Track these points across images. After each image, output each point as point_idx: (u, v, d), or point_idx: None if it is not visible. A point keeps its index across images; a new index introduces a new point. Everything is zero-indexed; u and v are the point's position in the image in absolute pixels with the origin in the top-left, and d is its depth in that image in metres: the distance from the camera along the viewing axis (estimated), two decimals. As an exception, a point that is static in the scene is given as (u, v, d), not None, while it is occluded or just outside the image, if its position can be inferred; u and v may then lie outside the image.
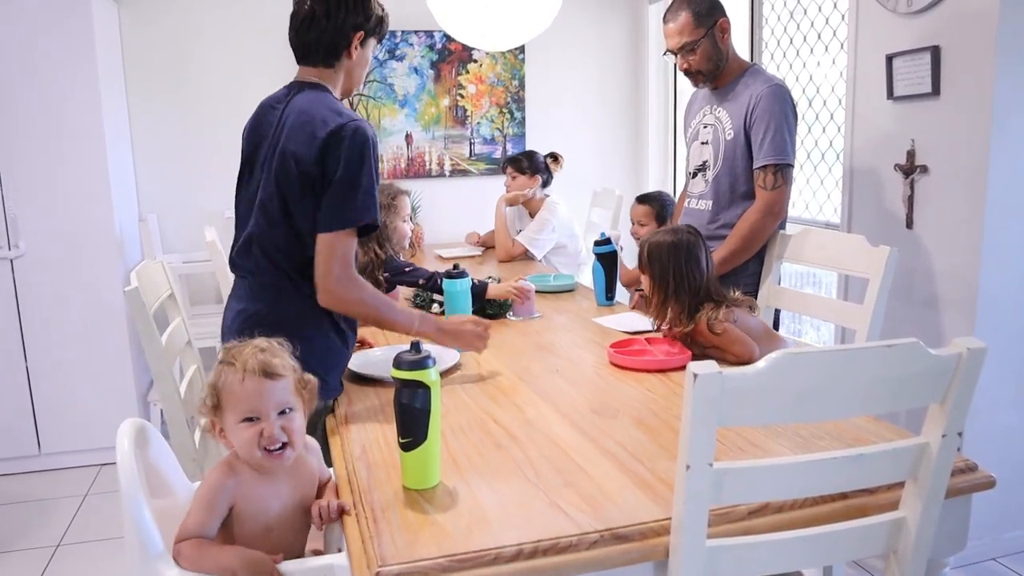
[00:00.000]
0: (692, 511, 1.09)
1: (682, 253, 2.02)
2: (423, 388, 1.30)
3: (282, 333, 1.51)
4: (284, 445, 1.38)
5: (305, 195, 1.72)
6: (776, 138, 2.38)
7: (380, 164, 1.78)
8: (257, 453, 1.37)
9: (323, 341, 1.80)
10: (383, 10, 1.89)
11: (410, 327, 1.86)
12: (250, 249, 1.80)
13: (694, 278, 2.02)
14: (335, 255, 1.72)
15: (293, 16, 1.83)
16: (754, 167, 2.44)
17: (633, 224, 3.35)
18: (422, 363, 1.30)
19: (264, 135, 1.82)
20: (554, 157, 3.79)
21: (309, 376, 1.46)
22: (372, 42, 1.89)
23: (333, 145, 1.69)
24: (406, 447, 1.32)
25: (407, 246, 2.96)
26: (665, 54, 2.58)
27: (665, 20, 2.53)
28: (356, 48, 1.84)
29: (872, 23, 2.70)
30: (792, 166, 2.43)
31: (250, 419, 1.37)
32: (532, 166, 3.74)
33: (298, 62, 1.87)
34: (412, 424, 1.31)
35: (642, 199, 3.35)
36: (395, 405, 1.32)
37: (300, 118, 1.74)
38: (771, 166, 2.39)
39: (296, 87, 1.84)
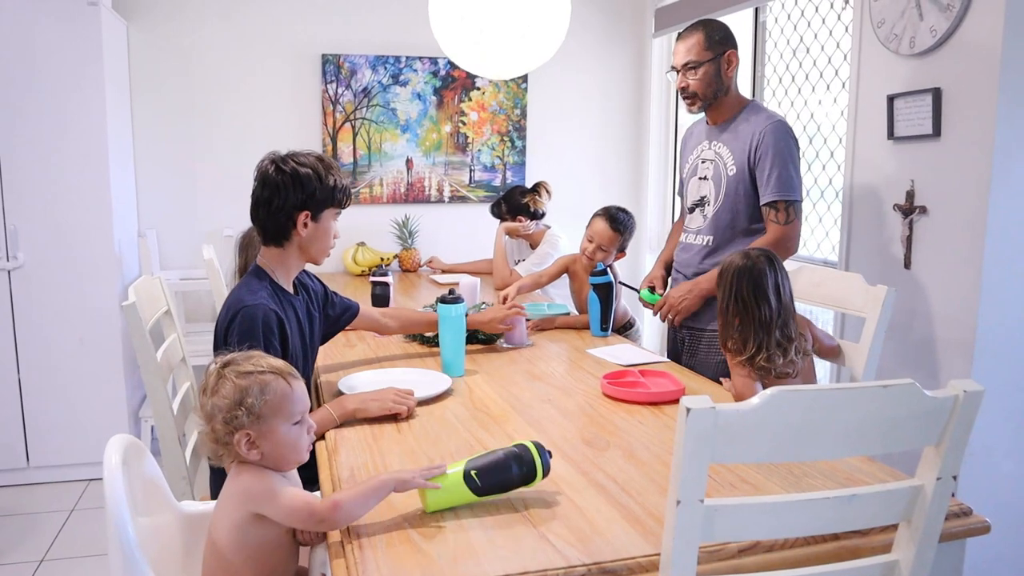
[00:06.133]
0: (681, 547, 1.07)
1: (748, 279, 1.95)
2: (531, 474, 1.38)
3: None
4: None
5: None
6: (783, 174, 2.38)
7: (285, 337, 1.87)
8: (305, 451, 1.42)
9: None
10: (336, 180, 1.93)
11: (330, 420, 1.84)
12: None
13: (757, 308, 1.93)
14: None
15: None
16: (762, 203, 2.42)
17: (592, 242, 2.87)
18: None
19: None
20: (536, 191, 3.78)
21: None
22: (329, 213, 1.95)
23: (231, 325, 1.81)
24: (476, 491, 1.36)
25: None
26: (668, 71, 2.59)
27: (678, 37, 2.55)
28: (305, 226, 1.91)
29: (874, 63, 2.72)
30: (801, 201, 2.43)
31: (298, 421, 1.41)
32: (511, 209, 3.75)
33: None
34: (499, 486, 1.37)
35: (612, 222, 2.85)
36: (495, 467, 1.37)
37: (226, 299, 1.92)
38: (781, 202, 2.39)
39: (250, 270, 1.97)
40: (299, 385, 1.43)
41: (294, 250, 1.95)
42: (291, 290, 2.00)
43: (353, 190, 4.26)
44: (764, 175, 2.40)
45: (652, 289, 2.74)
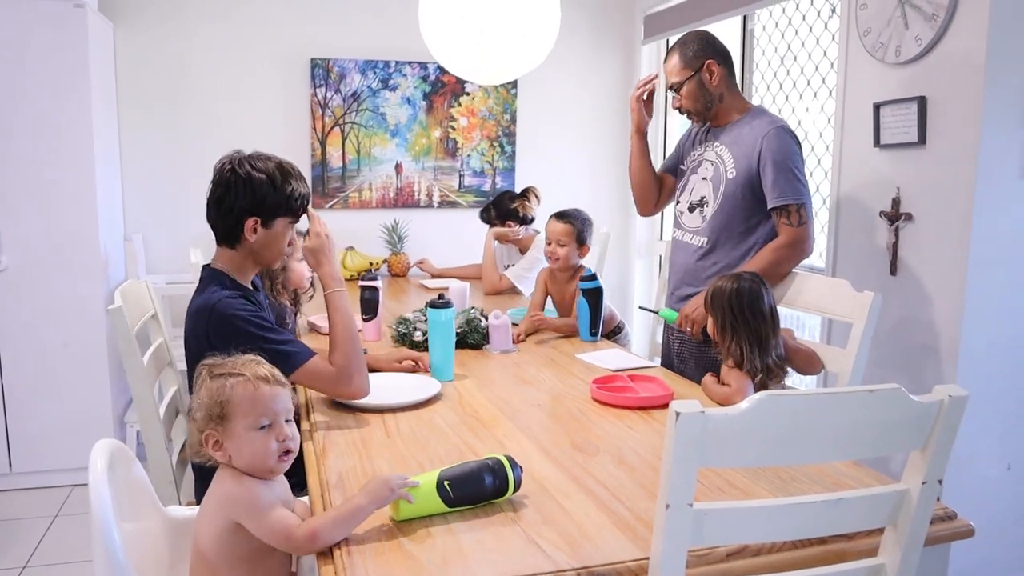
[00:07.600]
0: (670, 551, 1.08)
1: (744, 300, 2.03)
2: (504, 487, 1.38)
3: None
4: (288, 450, 1.39)
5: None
6: (790, 178, 2.37)
7: (261, 315, 1.84)
8: (273, 459, 1.37)
9: None
10: (294, 189, 1.89)
11: None
12: None
13: (761, 327, 2.03)
14: None
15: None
16: (770, 207, 2.41)
17: (550, 244, 2.91)
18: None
19: None
20: (525, 196, 3.79)
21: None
22: (283, 221, 1.90)
23: (208, 327, 1.79)
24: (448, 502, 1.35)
25: (308, 286, 2.80)
26: (667, 89, 2.63)
27: (664, 59, 2.59)
28: (254, 231, 1.87)
29: (860, 72, 2.74)
30: (810, 202, 2.41)
31: (264, 426, 1.37)
32: (500, 214, 3.76)
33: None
34: (471, 498, 1.36)
35: (561, 216, 2.93)
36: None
37: (189, 310, 1.88)
38: (792, 205, 2.38)
39: (203, 276, 1.93)
40: (269, 390, 1.38)
41: (246, 253, 1.92)
42: (251, 288, 1.99)
43: (342, 195, 4.26)
44: (770, 180, 2.39)
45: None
